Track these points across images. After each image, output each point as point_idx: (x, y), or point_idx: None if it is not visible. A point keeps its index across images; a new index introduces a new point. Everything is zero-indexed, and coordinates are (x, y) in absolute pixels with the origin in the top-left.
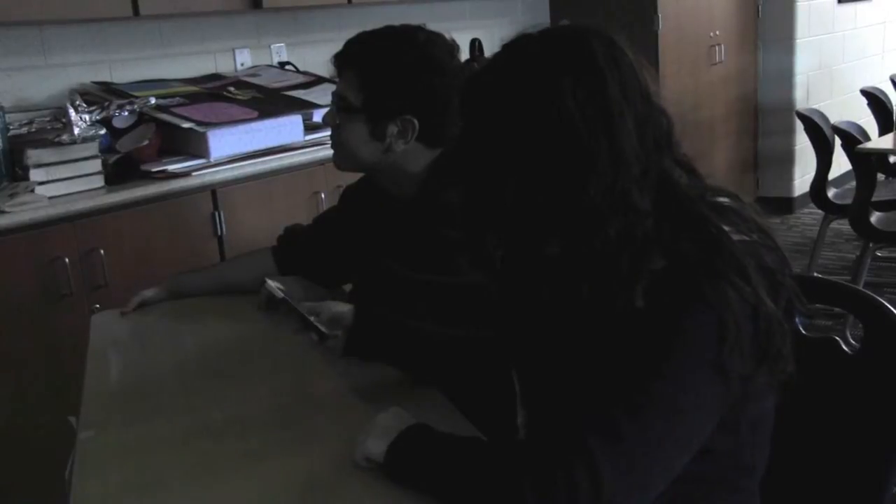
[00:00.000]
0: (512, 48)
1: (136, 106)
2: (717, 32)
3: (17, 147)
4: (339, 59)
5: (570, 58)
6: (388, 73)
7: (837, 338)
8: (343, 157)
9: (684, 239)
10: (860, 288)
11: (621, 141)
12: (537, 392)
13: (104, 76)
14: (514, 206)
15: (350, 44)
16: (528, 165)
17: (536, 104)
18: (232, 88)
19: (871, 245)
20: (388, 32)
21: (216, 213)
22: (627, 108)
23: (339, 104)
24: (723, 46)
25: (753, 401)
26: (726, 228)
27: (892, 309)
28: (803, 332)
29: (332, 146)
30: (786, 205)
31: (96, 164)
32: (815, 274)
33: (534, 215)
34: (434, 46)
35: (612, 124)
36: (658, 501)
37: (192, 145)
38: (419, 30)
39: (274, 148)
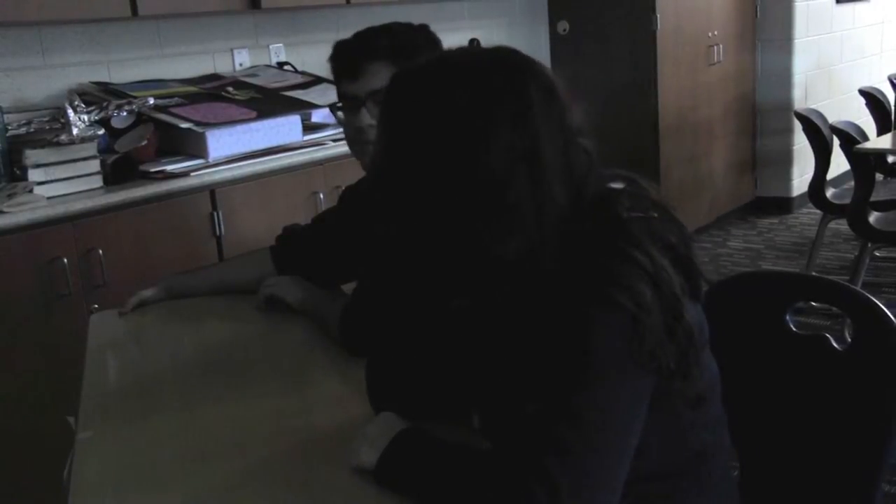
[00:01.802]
0: (446, 72)
1: (134, 106)
2: (716, 32)
3: (16, 147)
4: (358, 56)
5: (507, 108)
6: (412, 54)
7: (828, 335)
8: None
9: (584, 227)
10: (849, 285)
11: (545, 198)
12: (492, 405)
13: (102, 76)
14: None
15: (359, 40)
16: (448, 203)
17: (468, 152)
18: (230, 88)
19: (869, 245)
20: (404, 24)
21: (215, 214)
22: (554, 159)
23: (375, 99)
24: (721, 46)
25: (681, 381)
26: (626, 211)
27: (881, 306)
28: (794, 329)
29: (364, 146)
30: (784, 205)
31: (95, 165)
32: (814, 273)
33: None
34: (428, 29)
35: (539, 182)
36: None
37: (191, 145)
38: (402, 21)
39: (272, 148)
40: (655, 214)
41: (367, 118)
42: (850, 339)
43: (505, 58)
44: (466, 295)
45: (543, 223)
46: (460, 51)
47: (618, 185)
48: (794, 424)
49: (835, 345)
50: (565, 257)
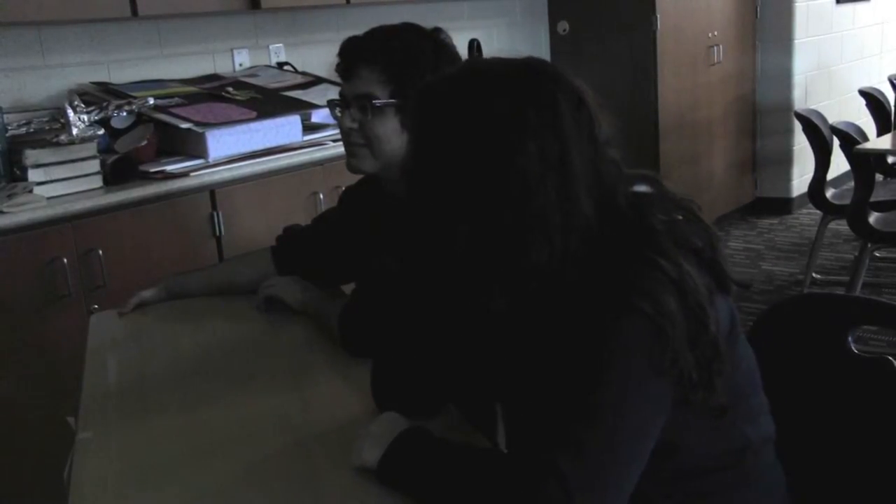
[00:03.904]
0: (476, 82)
1: (134, 106)
2: (716, 33)
3: (16, 147)
4: (352, 58)
5: (536, 118)
6: (411, 62)
7: (891, 357)
8: (372, 154)
9: (612, 235)
10: None
11: (572, 207)
12: (517, 412)
13: (102, 76)
14: (462, 249)
15: (359, 42)
16: (476, 211)
17: (496, 160)
18: (230, 89)
19: (869, 245)
20: (395, 26)
21: (214, 214)
22: (582, 169)
23: (364, 102)
24: (721, 47)
25: (703, 391)
26: (653, 217)
27: None
28: (855, 351)
29: (355, 147)
30: (784, 205)
31: (95, 165)
32: (814, 274)
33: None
34: (441, 34)
35: (566, 191)
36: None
37: (191, 146)
38: (415, 24)
39: (272, 148)
40: (680, 217)
41: (349, 121)
42: (853, 342)
43: (534, 67)
44: (492, 298)
45: (570, 232)
46: (489, 60)
47: (643, 188)
48: (855, 447)
49: None
50: (592, 264)
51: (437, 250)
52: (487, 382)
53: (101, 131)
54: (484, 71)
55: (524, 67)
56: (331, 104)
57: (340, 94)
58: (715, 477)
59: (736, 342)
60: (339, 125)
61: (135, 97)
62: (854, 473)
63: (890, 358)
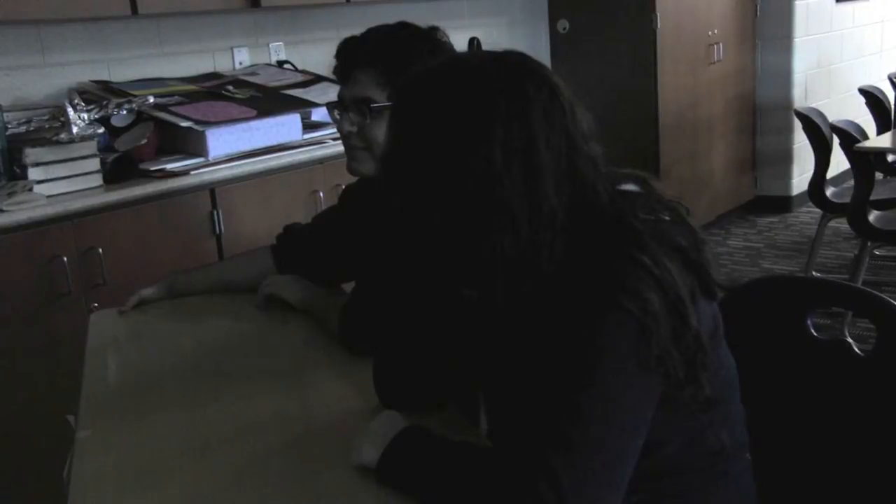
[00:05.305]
0: (449, 72)
1: (134, 105)
2: (716, 31)
3: (16, 146)
4: (349, 62)
5: (503, 107)
6: (408, 63)
7: (849, 340)
8: (373, 157)
9: (592, 231)
10: (874, 291)
11: (539, 198)
12: (498, 403)
13: (102, 75)
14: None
15: (355, 44)
16: (446, 199)
17: (463, 146)
18: (230, 87)
19: (869, 244)
20: (392, 26)
21: (215, 212)
22: (552, 161)
23: (362, 107)
24: (721, 45)
25: (690, 387)
26: (637, 215)
27: None
28: (814, 333)
29: (355, 150)
30: (784, 204)
31: (94, 163)
32: (814, 272)
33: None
34: (438, 32)
35: (534, 181)
36: (641, 500)
37: (191, 144)
38: (411, 23)
39: (272, 147)
40: (667, 217)
41: (347, 125)
42: (851, 339)
43: (507, 59)
44: (467, 288)
45: (537, 223)
46: (468, 53)
47: (630, 187)
48: (815, 429)
49: (857, 350)
50: (572, 260)
51: (411, 237)
52: (470, 370)
53: (101, 130)
54: (459, 62)
55: (498, 59)
56: (329, 107)
57: (339, 96)
58: (685, 478)
59: (718, 346)
60: (338, 129)
61: (135, 95)
62: (816, 456)
63: (848, 340)
